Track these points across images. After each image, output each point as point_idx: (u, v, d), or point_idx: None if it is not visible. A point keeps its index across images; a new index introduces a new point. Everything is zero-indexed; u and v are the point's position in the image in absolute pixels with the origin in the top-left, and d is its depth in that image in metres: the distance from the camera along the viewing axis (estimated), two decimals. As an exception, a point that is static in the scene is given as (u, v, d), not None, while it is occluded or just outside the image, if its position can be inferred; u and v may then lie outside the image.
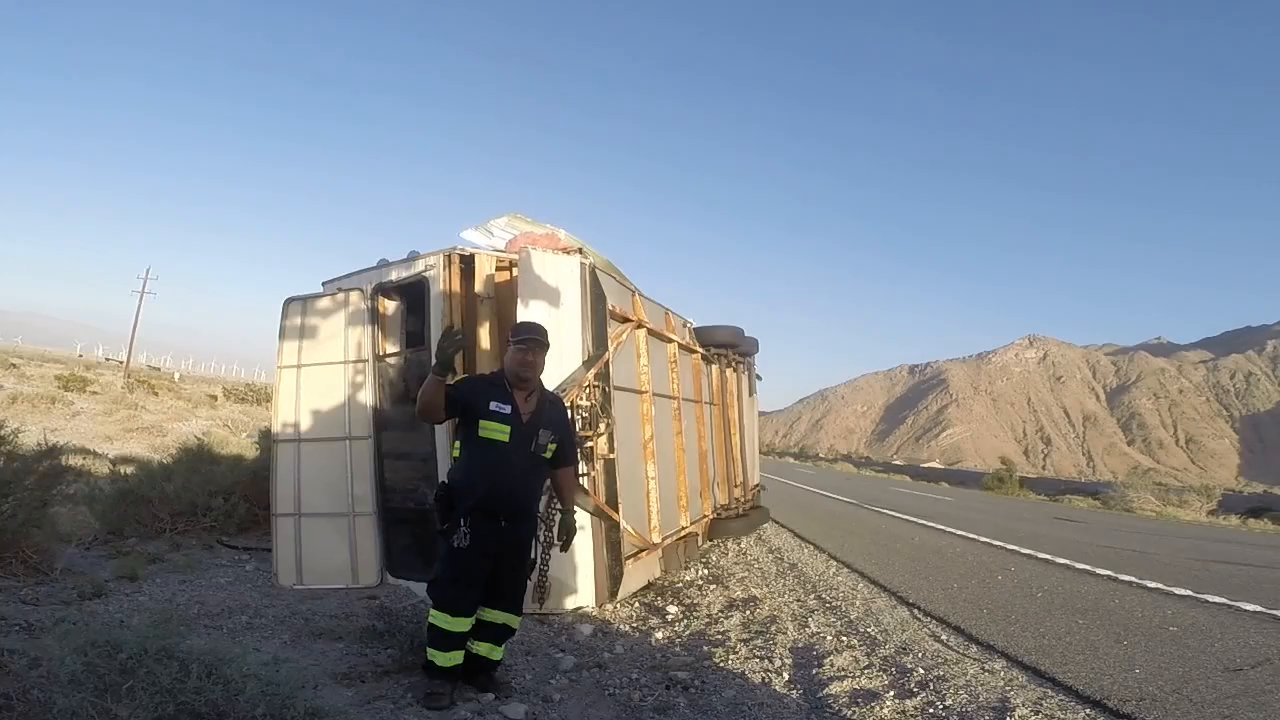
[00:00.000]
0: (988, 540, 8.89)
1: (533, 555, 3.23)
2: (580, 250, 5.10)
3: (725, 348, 8.07)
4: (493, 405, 2.99)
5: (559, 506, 3.27)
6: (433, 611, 2.96)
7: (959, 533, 9.65)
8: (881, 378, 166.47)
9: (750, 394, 9.64)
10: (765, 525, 8.83)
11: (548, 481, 3.25)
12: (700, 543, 6.97)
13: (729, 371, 8.42)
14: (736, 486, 8.35)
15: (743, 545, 7.62)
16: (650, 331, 5.99)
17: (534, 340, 3.07)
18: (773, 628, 4.36)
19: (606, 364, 4.81)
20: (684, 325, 7.49)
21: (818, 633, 4.31)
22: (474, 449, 2.99)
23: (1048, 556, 7.68)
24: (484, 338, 4.79)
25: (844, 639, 4.18)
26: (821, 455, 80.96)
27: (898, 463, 67.18)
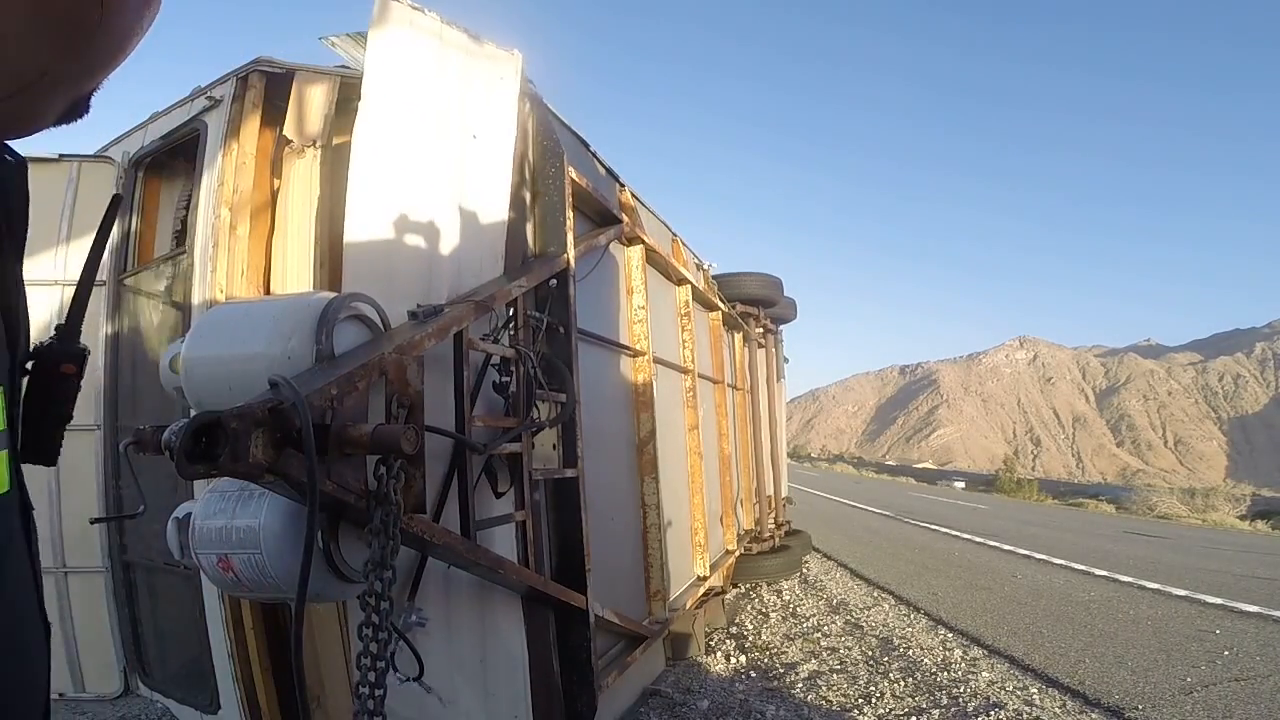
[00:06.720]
0: (1109, 574, 6.53)
1: None
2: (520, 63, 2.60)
3: (757, 306, 5.62)
4: None
5: None
6: None
7: (1058, 561, 7.27)
8: (872, 378, 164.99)
9: (779, 378, 7.20)
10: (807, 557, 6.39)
11: None
12: (726, 597, 4.50)
13: (756, 342, 5.97)
14: (766, 504, 5.91)
15: (785, 596, 5.16)
16: (650, 254, 3.52)
17: None
18: None
19: (565, 278, 2.34)
20: (699, 267, 5.01)
21: None
22: None
23: (1240, 606, 5.31)
24: (296, 219, 2.29)
25: None
26: (815, 455, 78.97)
27: (890, 463, 65.33)
